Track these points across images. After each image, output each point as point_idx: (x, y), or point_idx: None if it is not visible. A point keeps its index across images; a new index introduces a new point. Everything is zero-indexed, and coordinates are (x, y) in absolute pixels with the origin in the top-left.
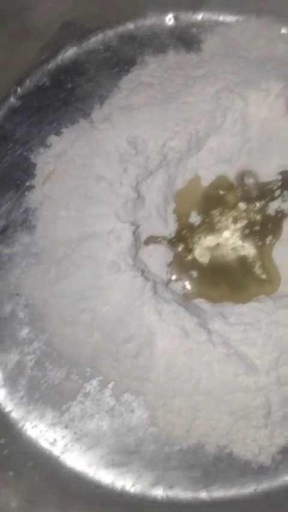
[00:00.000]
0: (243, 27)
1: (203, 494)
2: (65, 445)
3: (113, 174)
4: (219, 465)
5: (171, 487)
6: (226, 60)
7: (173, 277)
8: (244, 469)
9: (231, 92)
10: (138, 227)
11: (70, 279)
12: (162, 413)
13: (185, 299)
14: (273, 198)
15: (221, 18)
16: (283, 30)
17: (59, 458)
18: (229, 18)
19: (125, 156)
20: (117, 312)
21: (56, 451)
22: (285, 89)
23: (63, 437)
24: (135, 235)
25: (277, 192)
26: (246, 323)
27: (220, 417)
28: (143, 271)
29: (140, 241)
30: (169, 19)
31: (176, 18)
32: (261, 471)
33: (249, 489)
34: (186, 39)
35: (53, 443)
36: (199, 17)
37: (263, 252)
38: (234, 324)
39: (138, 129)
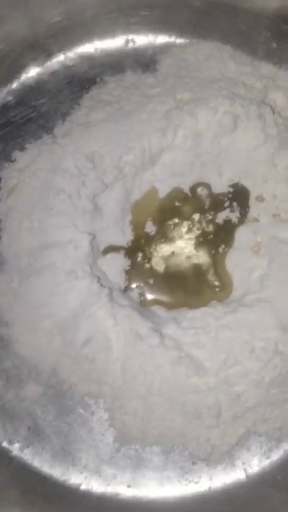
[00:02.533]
0: (195, 49)
1: (159, 493)
2: (28, 446)
3: (71, 187)
4: (174, 464)
5: (128, 486)
6: (179, 80)
7: (131, 286)
8: (198, 468)
9: (181, 110)
10: (95, 237)
11: (32, 287)
12: (120, 415)
13: (142, 306)
14: (224, 209)
15: (175, 40)
16: (232, 52)
17: (22, 458)
18: (182, 40)
19: (83, 170)
20: (75, 317)
21: (18, 451)
22: (232, 106)
23: (25, 438)
24: (93, 244)
25: (228, 203)
26: (197, 327)
27: (174, 418)
28: (99, 278)
29: (99, 250)
30: (126, 42)
31: (132, 40)
32: (214, 470)
33: (203, 487)
34: (142, 61)
35: (16, 444)
36: (155, 39)
37: (216, 260)
38: (186, 328)
39: (96, 145)
